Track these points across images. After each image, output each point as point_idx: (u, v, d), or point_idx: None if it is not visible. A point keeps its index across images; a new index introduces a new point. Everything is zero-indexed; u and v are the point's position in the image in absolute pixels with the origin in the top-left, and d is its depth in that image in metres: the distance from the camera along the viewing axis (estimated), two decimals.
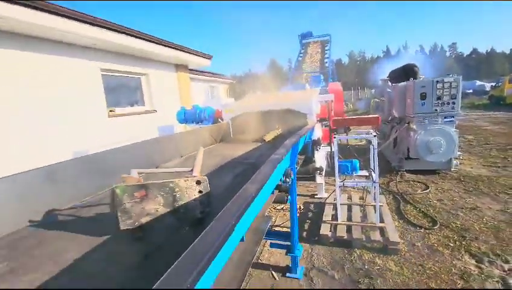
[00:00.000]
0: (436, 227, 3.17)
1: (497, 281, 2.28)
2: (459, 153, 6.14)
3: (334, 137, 3.06)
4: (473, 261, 2.56)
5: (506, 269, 2.42)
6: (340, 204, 3.67)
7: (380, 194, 4.03)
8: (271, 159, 1.45)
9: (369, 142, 3.04)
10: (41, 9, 3.69)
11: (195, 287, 0.50)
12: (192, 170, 1.20)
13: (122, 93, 6.10)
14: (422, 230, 3.15)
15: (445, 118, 4.62)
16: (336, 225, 3.14)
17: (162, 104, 6.76)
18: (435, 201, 3.88)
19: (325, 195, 4.27)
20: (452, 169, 4.99)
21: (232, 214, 0.84)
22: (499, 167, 5.20)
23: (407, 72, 5.72)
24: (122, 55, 5.68)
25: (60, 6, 3.94)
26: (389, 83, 6.23)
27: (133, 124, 5.87)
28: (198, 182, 1.08)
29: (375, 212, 3.40)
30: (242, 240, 1.41)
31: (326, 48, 13.66)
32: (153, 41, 5.68)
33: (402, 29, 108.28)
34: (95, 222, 1.30)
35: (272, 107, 3.95)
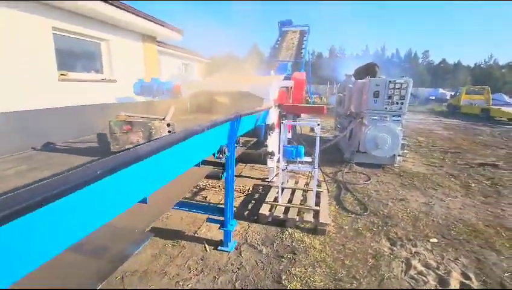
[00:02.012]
0: (365, 213, 3.46)
1: (402, 261, 2.58)
2: (406, 151, 6.64)
3: (282, 122, 3.16)
4: (388, 244, 2.85)
5: (413, 252, 2.73)
6: (285, 187, 3.85)
7: (324, 181, 4.27)
8: (186, 130, 1.47)
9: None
10: None
11: None
12: (164, 118, 1.64)
13: (79, 57, 5.70)
14: (353, 215, 3.42)
15: (393, 116, 4.95)
16: (276, 206, 3.30)
17: (124, 74, 6.42)
18: (372, 191, 4.21)
19: (276, 179, 4.44)
20: (395, 165, 5.41)
21: (104, 166, 0.86)
22: (436, 166, 5.73)
23: (368, 70, 5.99)
24: (80, 16, 5.26)
25: None
26: (352, 79, 6.48)
27: (88, 91, 5.53)
28: (168, 125, 1.54)
29: (315, 197, 3.62)
30: (144, 201, 1.43)
31: (304, 39, 13.71)
32: (115, 5, 5.32)
33: (383, 33, 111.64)
34: (91, 149, 1.67)
35: (231, 88, 3.95)
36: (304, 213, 3.15)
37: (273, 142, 4.17)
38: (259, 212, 3.14)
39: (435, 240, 2.92)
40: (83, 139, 1.98)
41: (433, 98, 25.00)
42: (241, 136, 3.79)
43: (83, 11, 5.15)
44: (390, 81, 4.80)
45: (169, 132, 1.54)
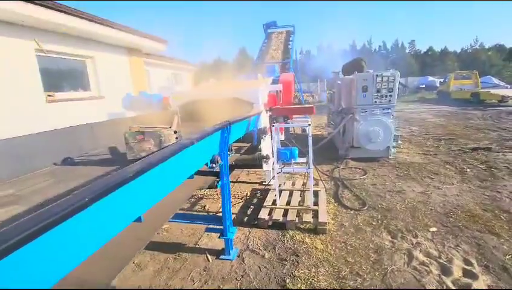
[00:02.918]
0: (364, 208, 3.47)
1: (404, 253, 2.59)
2: (400, 142, 6.71)
3: (273, 125, 3.17)
4: (389, 237, 2.86)
5: (414, 243, 2.74)
6: (283, 189, 3.85)
7: (320, 179, 4.29)
8: (175, 145, 1.47)
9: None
10: None
11: None
12: (171, 126, 1.89)
13: (65, 77, 5.67)
14: (352, 212, 3.43)
15: (383, 109, 5.00)
16: (274, 209, 3.30)
17: (111, 89, 6.39)
18: (369, 185, 4.23)
19: (273, 182, 4.44)
20: (390, 157, 5.45)
21: (92, 192, 0.86)
22: (430, 154, 5.78)
23: (355, 66, 6.05)
24: (63, 36, 5.24)
25: None
26: (340, 76, 6.53)
27: (77, 110, 5.50)
28: (175, 132, 1.81)
29: (312, 196, 3.63)
30: (139, 220, 1.42)
31: (290, 39, 13.81)
32: (95, 22, 5.30)
33: (369, 26, 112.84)
34: (106, 160, 1.91)
35: (219, 95, 3.96)
36: (303, 214, 3.15)
37: (266, 146, 4.18)
38: (259, 217, 3.14)
39: (435, 229, 2.94)
40: (97, 152, 2.24)
41: (423, 86, 25.30)
42: (234, 142, 3.80)
43: (65, 30, 5.13)
44: (377, 75, 4.85)
45: (176, 138, 1.80)
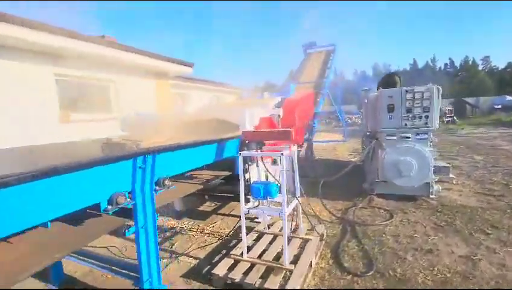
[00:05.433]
0: (368, 274, 2.46)
1: None
2: (452, 176, 5.26)
3: (240, 154, 2.52)
4: None
5: None
6: (266, 233, 3.09)
7: (321, 222, 3.38)
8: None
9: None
10: None
11: None
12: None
13: (86, 98, 5.99)
14: (349, 277, 2.46)
15: (417, 134, 3.87)
16: (239, 262, 2.55)
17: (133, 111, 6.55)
18: (389, 237, 3.14)
19: (268, 218, 3.66)
20: (431, 196, 4.16)
21: None
22: (494, 195, 4.28)
23: (388, 82, 5.04)
24: (83, 60, 5.56)
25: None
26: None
27: (95, 131, 5.67)
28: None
29: (298, 247, 2.79)
30: None
31: (330, 58, 13.07)
32: (126, 50, 5.57)
33: (431, 42, 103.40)
34: None
35: (203, 116, 3.52)
36: (270, 274, 2.33)
37: (254, 173, 3.49)
38: (213, 271, 2.43)
39: None
40: None
41: (499, 106, 21.19)
42: (209, 170, 3.22)
43: (86, 55, 5.44)
44: (407, 91, 3.81)
45: None
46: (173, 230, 3.67)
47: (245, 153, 2.54)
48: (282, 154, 2.34)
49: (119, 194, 1.73)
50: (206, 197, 4.34)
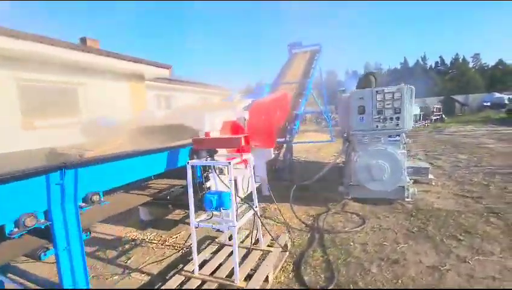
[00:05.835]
0: (329, 288, 2.29)
1: None
2: (431, 177, 5.15)
3: (187, 163, 2.33)
4: None
5: None
6: (226, 245, 2.90)
7: (286, 231, 3.21)
8: None
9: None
10: None
11: None
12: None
13: (54, 103, 5.74)
14: None
15: (389, 136, 3.72)
16: (190, 279, 2.36)
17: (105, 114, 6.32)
18: (357, 245, 2.97)
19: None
20: (407, 199, 4.02)
21: None
22: (472, 197, 4.15)
23: (365, 83, 4.91)
24: (48, 64, 5.32)
25: None
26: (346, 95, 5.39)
27: (62, 137, 5.43)
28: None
29: (258, 259, 2.61)
30: None
31: (314, 58, 12.96)
32: (87, 51, 5.33)
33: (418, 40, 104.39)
34: None
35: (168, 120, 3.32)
36: None
37: (219, 183, 3.31)
38: (162, 288, 2.23)
39: None
40: None
41: (488, 104, 21.34)
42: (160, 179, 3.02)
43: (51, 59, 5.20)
44: (377, 92, 3.67)
45: None
46: (133, 242, 3.46)
47: (193, 161, 2.35)
48: (229, 163, 2.15)
49: (28, 215, 1.53)
50: (170, 206, 4.13)
